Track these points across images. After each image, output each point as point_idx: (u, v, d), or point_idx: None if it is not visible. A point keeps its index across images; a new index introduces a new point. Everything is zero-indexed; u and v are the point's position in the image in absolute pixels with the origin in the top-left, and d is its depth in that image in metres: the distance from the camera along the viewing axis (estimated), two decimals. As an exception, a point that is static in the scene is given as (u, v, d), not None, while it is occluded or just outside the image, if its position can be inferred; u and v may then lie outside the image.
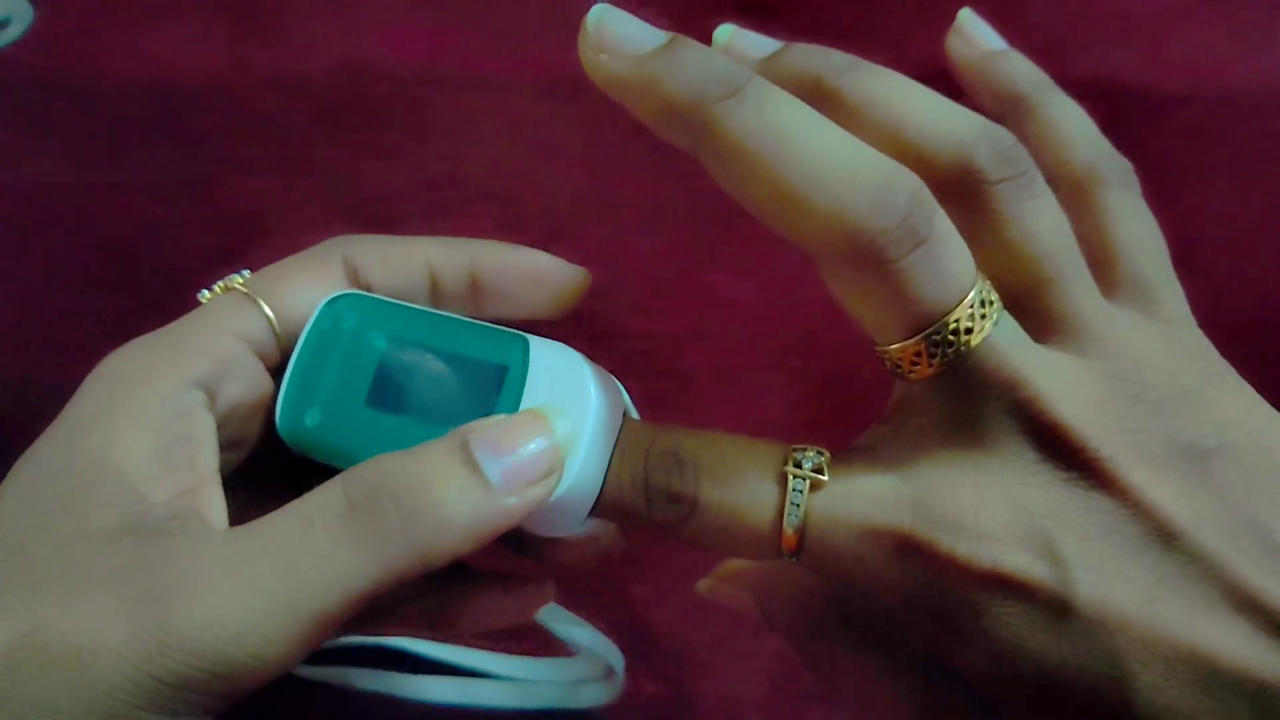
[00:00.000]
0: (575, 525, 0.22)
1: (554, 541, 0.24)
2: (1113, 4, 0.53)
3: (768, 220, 0.19)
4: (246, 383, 0.23)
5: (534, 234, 0.46)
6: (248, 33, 0.54)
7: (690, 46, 0.19)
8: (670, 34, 0.19)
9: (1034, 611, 0.18)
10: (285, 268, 0.24)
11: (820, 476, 0.19)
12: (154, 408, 0.20)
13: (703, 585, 0.25)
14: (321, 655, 0.34)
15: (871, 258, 0.18)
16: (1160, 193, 0.47)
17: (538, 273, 0.24)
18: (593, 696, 0.32)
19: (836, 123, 0.19)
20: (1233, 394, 0.20)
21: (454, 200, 0.47)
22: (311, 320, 0.23)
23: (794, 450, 0.20)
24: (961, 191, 0.20)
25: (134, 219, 0.47)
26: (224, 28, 0.54)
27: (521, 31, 0.53)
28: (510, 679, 0.33)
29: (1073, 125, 0.23)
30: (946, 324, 0.19)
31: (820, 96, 0.20)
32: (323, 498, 0.19)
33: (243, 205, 0.47)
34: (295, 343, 0.23)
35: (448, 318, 0.23)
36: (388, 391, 0.22)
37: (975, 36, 0.25)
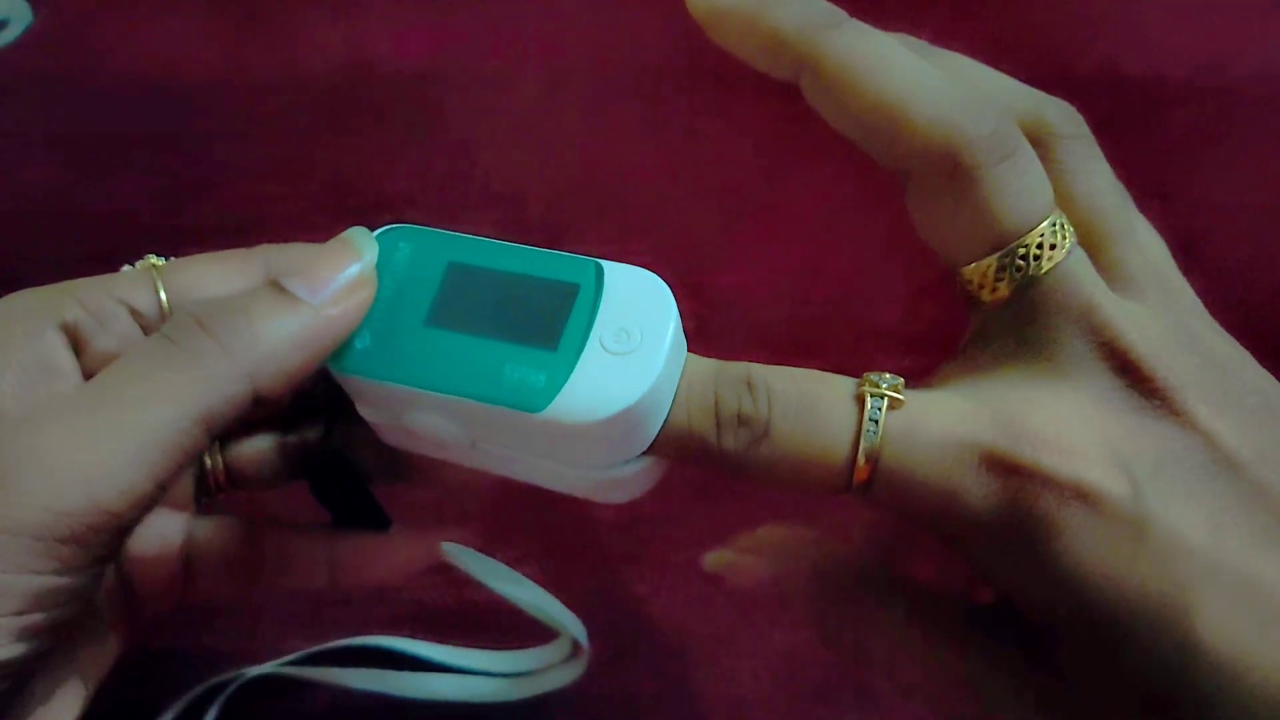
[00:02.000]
0: (633, 452, 0.21)
1: (440, 464, 0.24)
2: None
3: (868, 136, 0.21)
4: (118, 341, 0.23)
5: (537, 232, 0.46)
6: (249, 33, 0.54)
7: None
8: None
9: (1110, 530, 0.18)
10: (201, 258, 0.24)
11: (898, 395, 0.19)
12: (20, 339, 0.22)
13: (711, 559, 0.25)
14: (320, 656, 0.34)
15: (964, 163, 0.19)
16: (1165, 186, 0.47)
17: None
18: (566, 675, 0.32)
19: None
20: (1256, 367, 0.21)
21: (457, 200, 0.47)
22: None
23: (869, 375, 0.20)
24: (1035, 143, 0.21)
25: (134, 221, 0.47)
26: (224, 28, 0.54)
27: (524, 27, 0.53)
28: (504, 674, 0.33)
29: None
30: (1027, 242, 0.20)
31: None
32: (144, 342, 0.20)
33: (244, 207, 0.47)
34: None
35: (511, 245, 0.22)
36: (450, 310, 0.21)
37: None
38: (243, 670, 0.34)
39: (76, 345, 0.22)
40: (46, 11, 0.54)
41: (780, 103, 0.46)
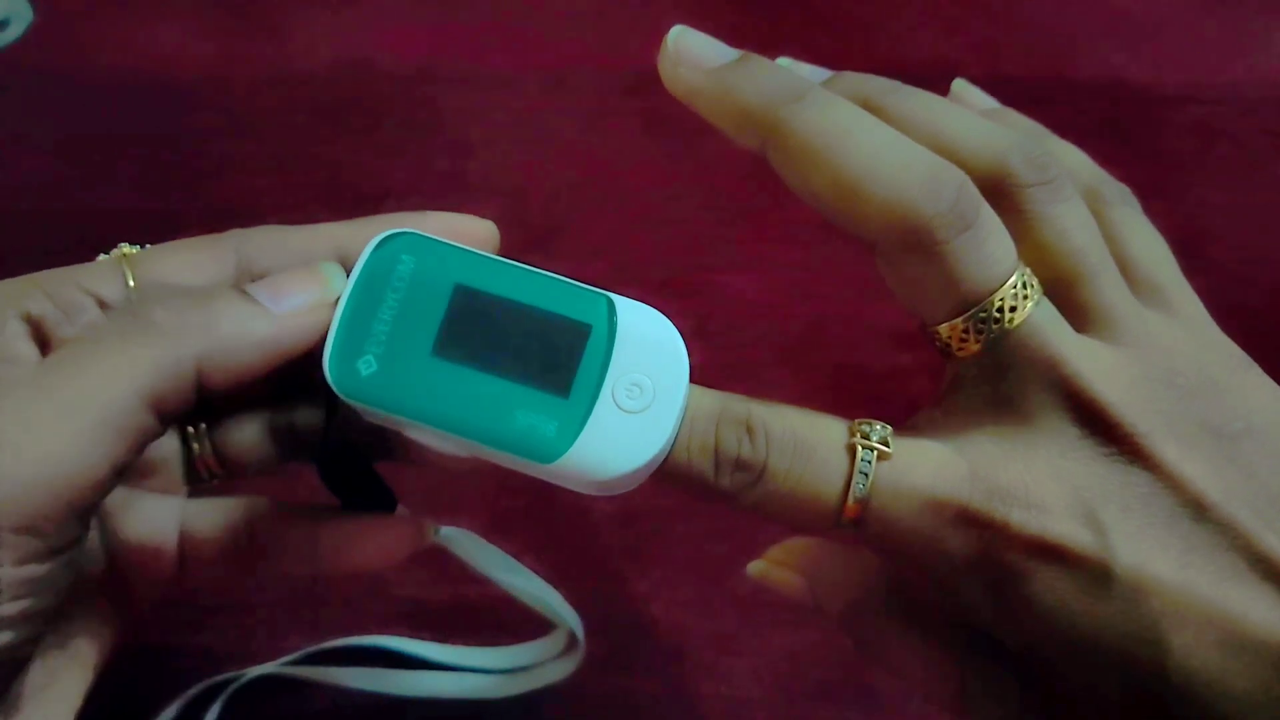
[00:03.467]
0: (634, 486, 0.21)
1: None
2: (1116, 4, 0.53)
3: (830, 211, 0.21)
4: (84, 332, 0.23)
5: (537, 230, 0.46)
6: (247, 30, 0.54)
7: (759, 60, 0.22)
8: (741, 51, 0.22)
9: (1077, 577, 0.19)
10: (172, 246, 0.24)
11: (886, 449, 0.20)
12: None
13: (754, 568, 0.26)
14: (319, 656, 0.34)
15: (924, 240, 0.20)
16: (1166, 188, 0.47)
17: (454, 233, 0.24)
18: (562, 669, 0.32)
19: None
20: (1256, 384, 0.21)
21: (456, 197, 0.47)
22: (362, 260, 0.22)
23: (860, 424, 0.21)
24: (997, 195, 0.21)
25: (133, 218, 0.47)
26: (223, 26, 0.54)
27: (524, 26, 0.53)
28: (502, 670, 0.33)
29: (1071, 160, 0.25)
30: (991, 303, 0.21)
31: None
32: (98, 320, 0.21)
33: (242, 203, 0.47)
34: None
35: (516, 266, 0.22)
36: (458, 342, 0.21)
37: (971, 100, 0.27)
38: (243, 670, 0.34)
39: (42, 338, 0.22)
40: (46, 10, 0.54)
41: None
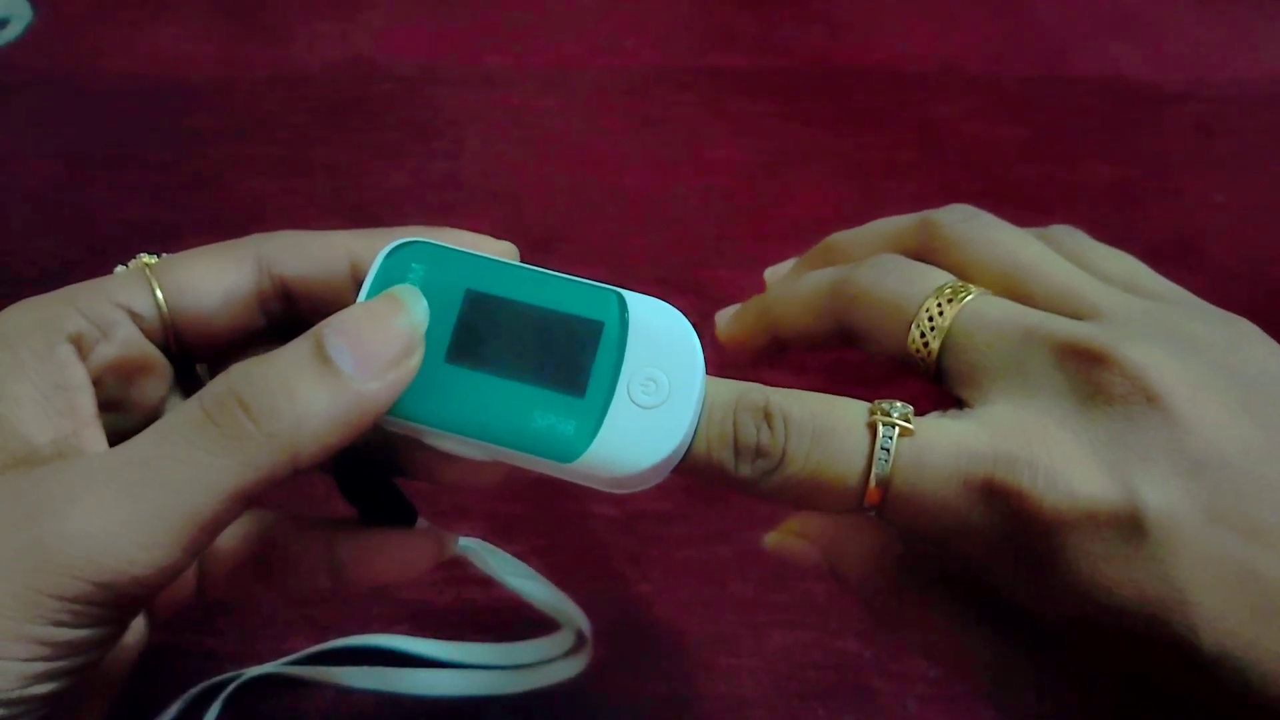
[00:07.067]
0: (654, 483, 0.21)
1: (448, 463, 0.24)
2: (1116, 3, 0.53)
3: (818, 337, 0.26)
4: (121, 346, 0.23)
5: (535, 231, 0.46)
6: (248, 32, 0.54)
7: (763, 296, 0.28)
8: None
9: (1108, 538, 0.19)
10: (193, 254, 0.24)
11: (908, 425, 0.20)
12: (31, 361, 0.21)
13: (770, 539, 0.26)
14: (320, 656, 0.34)
15: (843, 296, 0.24)
16: (1164, 186, 0.47)
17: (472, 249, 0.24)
18: (570, 668, 0.32)
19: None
20: (1251, 332, 0.21)
21: (455, 199, 0.47)
22: (373, 272, 0.22)
23: (880, 403, 0.21)
24: (929, 241, 0.24)
25: (133, 219, 0.47)
26: (224, 27, 0.54)
27: (522, 27, 0.53)
28: (505, 667, 0.33)
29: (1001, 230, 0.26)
30: (922, 308, 0.22)
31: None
32: (180, 411, 0.20)
33: (242, 205, 0.47)
34: (186, 321, 0.23)
35: (525, 268, 0.22)
36: (471, 347, 0.21)
37: None
38: (243, 670, 0.34)
39: (83, 354, 0.22)
40: (47, 10, 0.54)
41: (778, 103, 0.47)
